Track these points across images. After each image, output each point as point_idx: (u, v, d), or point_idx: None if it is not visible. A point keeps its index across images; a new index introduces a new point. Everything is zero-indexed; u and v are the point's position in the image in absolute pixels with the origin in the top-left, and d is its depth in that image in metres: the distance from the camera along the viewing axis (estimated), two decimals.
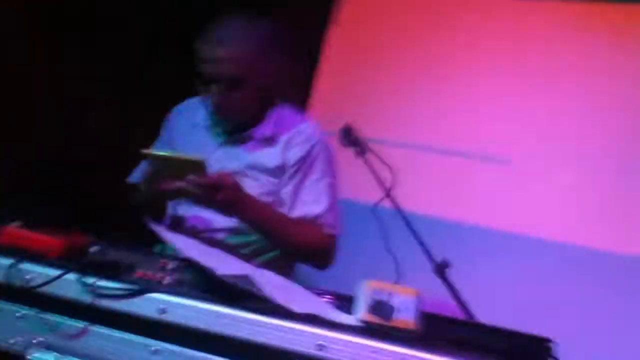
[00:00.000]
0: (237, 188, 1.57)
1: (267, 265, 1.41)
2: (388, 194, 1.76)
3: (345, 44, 3.20)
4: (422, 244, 1.69)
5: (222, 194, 1.51)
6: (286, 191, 1.78)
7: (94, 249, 1.24)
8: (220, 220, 1.72)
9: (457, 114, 2.91)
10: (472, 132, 2.87)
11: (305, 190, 1.78)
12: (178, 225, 1.79)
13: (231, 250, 1.37)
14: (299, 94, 2.88)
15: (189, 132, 1.88)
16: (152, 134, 2.03)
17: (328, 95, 3.06)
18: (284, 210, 1.76)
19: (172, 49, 2.92)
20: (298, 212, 1.76)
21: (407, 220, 1.72)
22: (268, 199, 1.75)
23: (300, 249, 1.76)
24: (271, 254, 1.77)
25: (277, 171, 1.79)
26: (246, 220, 1.65)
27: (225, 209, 1.58)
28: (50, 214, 1.41)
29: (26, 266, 1.21)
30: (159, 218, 1.79)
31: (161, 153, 1.55)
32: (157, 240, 1.39)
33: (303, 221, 1.75)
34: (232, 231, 1.75)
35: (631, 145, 2.66)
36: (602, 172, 2.67)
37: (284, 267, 1.78)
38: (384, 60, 3.10)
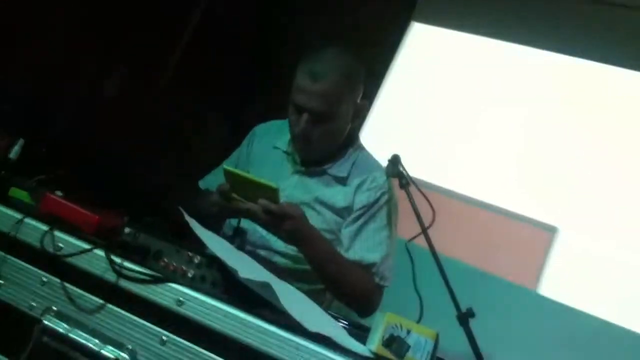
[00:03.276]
0: (303, 221, 1.60)
1: (309, 294, 1.42)
2: (425, 231, 1.72)
3: (408, 80, 3.23)
4: (450, 288, 1.64)
5: (288, 224, 1.55)
6: (346, 232, 1.78)
7: (127, 230, 1.27)
8: (279, 243, 1.74)
9: (507, 174, 2.90)
10: (517, 194, 2.85)
11: (365, 236, 1.78)
12: (239, 236, 1.82)
13: (278, 272, 1.39)
14: None
15: (267, 153, 1.92)
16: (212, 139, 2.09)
17: (378, 125, 3.08)
18: (340, 250, 1.77)
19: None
20: (354, 255, 1.76)
21: (439, 263, 1.68)
22: (328, 236, 1.77)
23: (349, 293, 1.75)
24: (316, 286, 1.76)
25: (344, 212, 1.80)
26: (305, 253, 1.66)
27: (287, 238, 1.62)
28: (94, 191, 1.45)
29: (60, 235, 1.24)
30: (216, 227, 1.82)
31: (241, 173, 1.60)
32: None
33: (357, 266, 1.75)
34: (287, 256, 1.76)
35: None
36: None
37: (323, 301, 1.79)
38: (442, 105, 3.12)
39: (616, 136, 2.81)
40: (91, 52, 2.96)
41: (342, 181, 1.83)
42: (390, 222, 1.82)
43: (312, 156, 1.83)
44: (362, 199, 1.80)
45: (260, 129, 2.01)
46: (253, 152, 1.95)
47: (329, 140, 1.80)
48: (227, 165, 1.97)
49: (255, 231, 1.75)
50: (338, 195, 1.81)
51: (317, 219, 1.75)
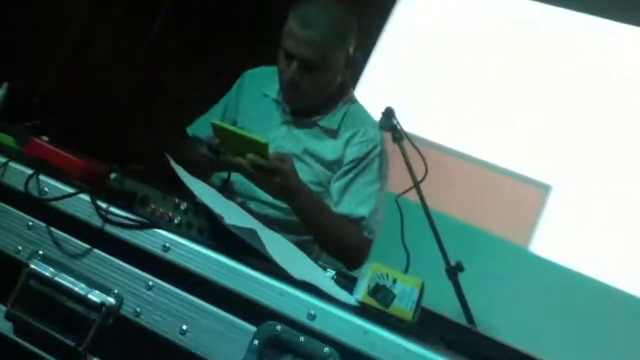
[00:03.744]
0: (292, 176, 1.57)
1: (298, 245, 1.41)
2: (417, 185, 1.72)
3: (405, 35, 3.18)
4: (440, 242, 1.65)
5: (277, 179, 1.52)
6: (336, 186, 1.78)
7: (113, 176, 1.25)
8: (265, 194, 1.72)
9: (501, 131, 2.89)
10: (512, 150, 2.85)
11: (355, 190, 1.77)
12: (227, 189, 1.80)
13: (268, 223, 1.39)
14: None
15: (257, 101, 1.89)
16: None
17: (377, 79, 3.05)
18: (329, 202, 1.76)
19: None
20: (343, 209, 1.75)
21: (430, 216, 1.69)
22: (317, 189, 1.76)
23: (337, 247, 1.76)
24: (305, 237, 1.76)
25: (333, 165, 1.79)
26: (294, 208, 1.65)
27: (277, 193, 1.59)
28: (81, 137, 1.43)
29: (45, 179, 1.23)
30: (205, 178, 1.81)
31: (230, 127, 1.57)
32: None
33: (346, 220, 1.75)
34: (277, 207, 1.76)
35: None
36: None
37: (312, 251, 1.79)
38: (438, 61, 3.08)
39: (611, 94, 2.79)
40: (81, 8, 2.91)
41: (333, 134, 1.81)
42: (381, 176, 1.81)
43: (300, 105, 1.81)
44: (352, 152, 1.79)
45: (249, 75, 1.97)
46: (242, 99, 1.92)
47: (317, 89, 1.76)
48: (215, 111, 1.94)
49: (245, 182, 1.74)
50: (328, 148, 1.79)
51: (307, 172, 1.74)
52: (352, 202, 1.76)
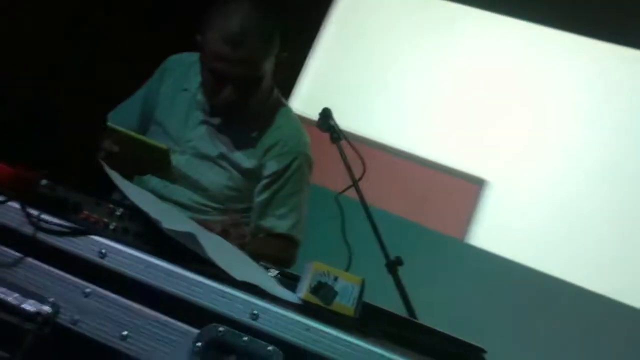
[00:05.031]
0: None
1: None
2: (356, 183, 1.75)
3: (342, 34, 3.21)
4: (379, 236, 1.68)
5: None
6: (259, 201, 1.77)
7: (43, 183, 1.22)
8: (182, 194, 1.70)
9: (437, 127, 2.96)
10: (448, 147, 2.92)
11: (277, 204, 1.77)
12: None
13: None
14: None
15: (176, 95, 1.82)
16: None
17: (315, 80, 3.07)
18: (243, 205, 1.76)
19: None
20: (267, 223, 1.76)
21: (369, 213, 1.71)
22: (232, 193, 1.75)
23: (268, 261, 1.74)
24: None
25: (249, 173, 1.77)
26: None
27: None
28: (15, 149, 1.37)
29: None
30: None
31: (127, 132, 1.48)
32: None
33: (270, 234, 1.76)
34: (192, 208, 1.73)
35: None
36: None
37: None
38: (377, 60, 3.13)
39: (544, 89, 2.91)
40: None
41: (252, 141, 1.77)
42: (302, 187, 1.82)
43: (235, 120, 1.77)
44: (272, 165, 1.77)
45: (171, 62, 1.88)
46: (163, 89, 1.85)
47: (257, 102, 1.74)
48: (135, 99, 1.87)
49: (159, 184, 1.71)
50: (245, 156, 1.77)
51: (223, 176, 1.73)
52: (274, 216, 1.77)
